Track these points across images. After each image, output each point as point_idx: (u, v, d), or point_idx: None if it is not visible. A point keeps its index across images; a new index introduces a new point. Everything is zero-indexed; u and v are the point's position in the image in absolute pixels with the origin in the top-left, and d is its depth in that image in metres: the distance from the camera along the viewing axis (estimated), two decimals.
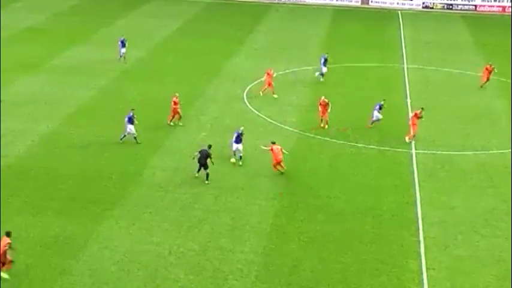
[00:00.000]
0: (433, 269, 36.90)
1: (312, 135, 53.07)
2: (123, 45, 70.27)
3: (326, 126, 54.47)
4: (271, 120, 56.32)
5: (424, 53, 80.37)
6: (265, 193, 44.37)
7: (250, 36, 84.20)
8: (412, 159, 50.01)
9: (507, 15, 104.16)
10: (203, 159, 44.81)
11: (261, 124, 55.92)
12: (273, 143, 46.61)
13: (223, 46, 76.51)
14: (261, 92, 61.09)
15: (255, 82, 65.42)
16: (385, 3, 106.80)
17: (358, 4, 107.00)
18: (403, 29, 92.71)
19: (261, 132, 53.82)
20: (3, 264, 33.59)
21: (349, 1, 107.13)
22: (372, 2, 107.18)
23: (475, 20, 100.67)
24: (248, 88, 64.16)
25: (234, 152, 47.75)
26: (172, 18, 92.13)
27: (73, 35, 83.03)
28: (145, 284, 34.51)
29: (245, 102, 60.79)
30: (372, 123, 55.45)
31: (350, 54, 77.69)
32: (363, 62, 75.01)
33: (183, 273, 35.51)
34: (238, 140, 47.28)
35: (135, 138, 50.52)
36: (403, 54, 79.18)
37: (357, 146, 51.33)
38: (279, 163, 46.25)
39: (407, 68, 73.72)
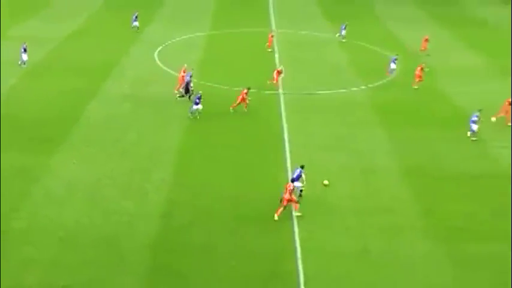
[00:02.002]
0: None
1: (210, 84, 51.82)
2: (25, 51, 54.95)
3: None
4: (176, 74, 54.65)
5: (286, 20, 79.48)
6: (177, 131, 43.33)
7: (159, 11, 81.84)
8: (280, 99, 49.64)
9: None
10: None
11: (169, 77, 54.32)
12: (292, 181, 33.70)
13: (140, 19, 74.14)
14: None
15: (164, 44, 64.21)
16: None
17: None
18: (271, 2, 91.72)
19: (169, 83, 52.39)
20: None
21: None
22: None
23: None
24: (158, 50, 62.57)
25: (194, 111, 44.90)
26: None
27: None
28: (87, 201, 33.29)
29: (156, 61, 59.06)
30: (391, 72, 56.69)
31: (235, 22, 76.45)
32: (243, 28, 73.94)
33: (115, 191, 34.47)
34: (198, 101, 44.72)
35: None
36: (271, 22, 78.29)
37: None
38: (284, 207, 32.60)
39: (277, 31, 72.69)
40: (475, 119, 43.69)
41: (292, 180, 33.74)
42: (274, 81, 52.18)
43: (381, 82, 55.45)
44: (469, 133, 44.11)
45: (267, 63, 59.50)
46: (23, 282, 26.66)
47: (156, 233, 30.82)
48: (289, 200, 32.51)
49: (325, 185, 34.79)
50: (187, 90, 48.43)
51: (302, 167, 34.36)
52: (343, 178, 37.44)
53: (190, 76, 49.24)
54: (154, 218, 32.04)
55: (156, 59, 59.65)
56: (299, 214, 32.89)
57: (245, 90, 46.46)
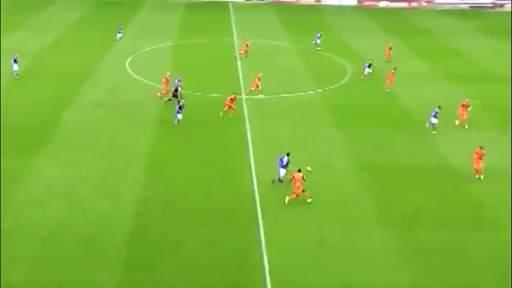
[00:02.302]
0: (260, 174, 36.96)
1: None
2: (15, 61, 54.47)
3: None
4: (147, 81, 54.59)
5: (248, 30, 79.53)
6: (149, 134, 43.21)
7: (131, 22, 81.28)
8: (243, 103, 49.71)
9: (299, 4, 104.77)
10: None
11: (140, 84, 54.16)
12: (299, 170, 34.33)
13: (113, 32, 73.53)
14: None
15: (135, 54, 63.88)
16: None
17: None
18: (233, 14, 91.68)
19: (140, 89, 52.32)
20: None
21: None
22: None
23: (280, 7, 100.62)
24: (129, 59, 62.24)
25: (178, 120, 44.17)
26: (73, 12, 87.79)
27: None
28: (66, 202, 33.16)
29: (128, 70, 58.79)
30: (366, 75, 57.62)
31: (200, 33, 76.19)
32: (207, 39, 73.82)
33: (92, 192, 34.34)
34: (180, 110, 44.03)
35: None
36: (233, 32, 78.26)
37: (211, 96, 50.45)
38: (297, 195, 33.99)
39: (237, 41, 72.79)
40: (434, 113, 45.32)
41: (283, 167, 35.59)
42: (254, 87, 52.01)
43: (335, 85, 55.88)
44: (427, 124, 45.57)
45: (231, 70, 59.62)
46: (9, 279, 26.49)
47: (131, 230, 30.79)
48: (298, 188, 33.61)
49: (309, 171, 35.13)
50: (175, 95, 48.51)
51: (288, 154, 36.01)
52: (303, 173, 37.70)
53: (179, 81, 49.44)
54: (129, 216, 31.98)
55: (128, 67, 59.31)
56: (310, 200, 34.05)
57: (232, 96, 46.45)
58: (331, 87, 55.29)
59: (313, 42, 71.43)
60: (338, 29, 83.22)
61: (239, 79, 56.27)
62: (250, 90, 51.78)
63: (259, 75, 52.77)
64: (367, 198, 35.23)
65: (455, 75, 61.22)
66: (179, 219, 32.07)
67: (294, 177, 33.95)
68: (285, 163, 35.90)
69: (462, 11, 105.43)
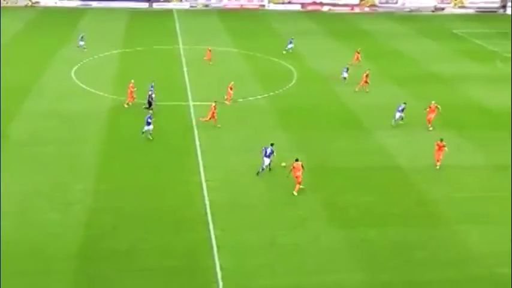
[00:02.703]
0: (211, 180, 36.91)
1: (124, 99, 51.31)
2: None
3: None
4: (93, 90, 53.96)
5: (192, 36, 79.42)
6: (95, 143, 42.76)
7: (75, 30, 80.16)
8: (190, 109, 49.60)
9: (244, 9, 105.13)
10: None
11: (86, 93, 53.49)
12: (296, 160, 36.39)
13: (57, 41, 72.44)
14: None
15: (81, 63, 63.10)
16: (164, 5, 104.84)
17: (147, 6, 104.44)
18: (178, 21, 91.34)
19: (86, 98, 51.73)
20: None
21: (138, 4, 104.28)
22: (155, 5, 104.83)
23: (224, 13, 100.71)
24: (75, 68, 61.38)
25: (145, 131, 43.10)
26: (14, 21, 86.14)
27: None
28: (17, 215, 32.64)
29: (73, 79, 57.97)
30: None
31: (146, 41, 75.71)
32: (153, 46, 73.40)
33: (41, 204, 33.84)
34: (150, 121, 42.91)
35: None
36: (179, 39, 77.99)
37: (158, 104, 50.12)
38: (299, 183, 36.05)
39: (182, 48, 72.57)
40: (401, 108, 47.48)
41: (267, 156, 37.63)
42: (228, 97, 51.61)
43: (283, 89, 56.19)
44: (393, 121, 47.58)
45: (178, 77, 59.37)
46: None
47: (81, 241, 30.41)
48: (299, 176, 35.63)
49: (283, 166, 36.51)
50: (150, 102, 48.45)
51: (272, 144, 38.19)
52: (252, 177, 37.90)
53: (152, 87, 49.31)
54: (79, 227, 31.57)
55: (73, 76, 58.49)
56: (302, 187, 36.02)
57: (213, 105, 46.14)
58: (279, 91, 55.61)
59: (286, 48, 71.52)
60: (283, 33, 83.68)
61: (186, 86, 56.10)
62: (227, 99, 51.36)
63: (231, 84, 52.28)
64: (315, 199, 35.56)
65: (398, 76, 62.34)
66: (129, 227, 31.81)
67: (293, 166, 35.71)
68: (268, 153, 37.80)
69: (403, 15, 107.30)
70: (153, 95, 49.04)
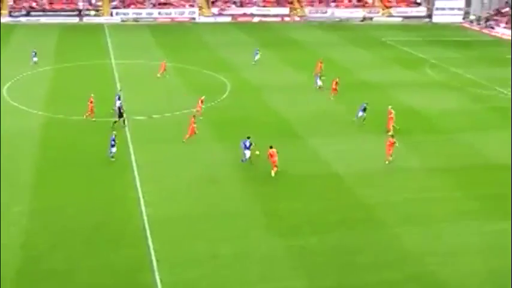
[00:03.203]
0: (148, 194, 36.27)
1: (61, 116, 50.17)
2: None
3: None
4: (26, 108, 52.66)
5: (124, 51, 78.60)
6: (29, 162, 41.64)
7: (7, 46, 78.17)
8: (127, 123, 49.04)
9: (175, 23, 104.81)
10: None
11: (18, 111, 52.11)
12: (271, 147, 40.02)
13: None
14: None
15: (13, 80, 61.50)
16: (94, 19, 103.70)
17: (77, 21, 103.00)
18: (109, 36, 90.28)
19: (19, 116, 50.41)
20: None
21: (68, 19, 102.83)
22: (85, 19, 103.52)
23: (155, 27, 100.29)
24: (7, 86, 59.75)
25: (113, 154, 41.75)
26: None
27: None
28: None
29: (5, 97, 56.35)
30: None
31: (78, 56, 74.49)
32: (85, 61, 72.25)
33: None
34: (114, 143, 41.57)
35: None
36: (111, 54, 76.99)
37: (92, 120, 49.27)
38: (274, 163, 39.66)
39: (115, 62, 71.74)
40: (363, 107, 50.08)
41: (248, 148, 40.86)
42: (198, 109, 51.13)
43: (216, 101, 56.06)
44: (355, 118, 50.13)
45: (111, 92, 58.35)
46: None
47: (19, 264, 29.42)
48: (276, 161, 39.37)
49: (257, 155, 39.39)
50: (120, 114, 47.76)
51: (248, 137, 41.04)
52: (190, 190, 37.67)
53: (119, 98, 49.19)
54: (15, 249, 30.55)
55: (4, 94, 56.89)
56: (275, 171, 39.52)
57: (193, 119, 45.91)
58: (213, 103, 55.44)
59: (255, 60, 72.27)
60: (215, 46, 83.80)
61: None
62: (198, 112, 50.85)
63: (202, 98, 51.97)
64: (255, 209, 35.52)
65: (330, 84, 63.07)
66: (68, 246, 31.03)
67: (270, 153, 39.46)
68: (248, 146, 40.92)
69: (333, 25, 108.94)
70: (122, 105, 48.69)
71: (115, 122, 47.74)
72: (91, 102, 49.73)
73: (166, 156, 42.58)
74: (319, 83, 61.02)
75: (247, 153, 41.14)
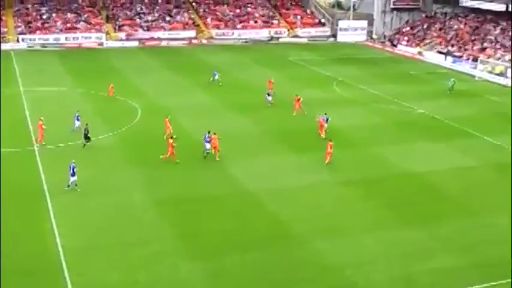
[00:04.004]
0: (63, 225, 35.23)
1: None
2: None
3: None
4: None
5: (32, 78, 76.47)
6: None
7: None
8: (35, 153, 47.56)
9: (82, 48, 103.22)
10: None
11: None
12: (214, 133, 46.69)
13: None
14: None
15: None
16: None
17: None
18: (16, 63, 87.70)
19: None
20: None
21: None
22: None
23: (63, 52, 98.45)
24: None
25: (71, 183, 40.30)
26: None
27: None
28: None
29: None
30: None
31: None
32: None
33: None
34: (73, 172, 40.18)
35: None
36: (18, 81, 74.58)
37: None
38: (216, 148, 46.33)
39: (23, 90, 69.58)
40: (325, 118, 53.16)
41: (208, 142, 46.45)
42: (168, 131, 51.09)
43: (127, 127, 55.23)
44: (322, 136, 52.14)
45: (19, 120, 56.65)
46: None
47: None
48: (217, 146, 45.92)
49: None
50: (87, 136, 48.74)
51: (209, 132, 46.81)
52: (104, 217, 36.89)
53: (78, 119, 51.66)
54: None
55: None
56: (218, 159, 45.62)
57: (171, 141, 45.76)
58: (124, 128, 54.63)
59: (211, 79, 74.00)
60: (124, 70, 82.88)
61: (29, 129, 53.60)
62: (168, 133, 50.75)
63: (167, 118, 52.41)
64: (171, 233, 35.09)
65: (239, 104, 63.47)
66: None
67: (211, 138, 45.94)
68: (208, 139, 46.32)
69: (240, 46, 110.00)
70: (86, 126, 49.23)
71: (84, 144, 48.66)
72: (40, 125, 49.12)
73: (79, 185, 41.33)
74: (268, 98, 63.00)
75: (207, 146, 46.23)
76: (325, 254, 33.05)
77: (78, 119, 51.44)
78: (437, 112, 63.13)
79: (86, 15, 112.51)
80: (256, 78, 78.20)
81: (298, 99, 60.83)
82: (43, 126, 49.35)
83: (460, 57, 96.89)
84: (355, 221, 37.14)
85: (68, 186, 40.44)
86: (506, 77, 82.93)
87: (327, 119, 52.98)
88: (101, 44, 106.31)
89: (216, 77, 74.86)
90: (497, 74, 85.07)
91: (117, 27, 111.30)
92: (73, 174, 40.34)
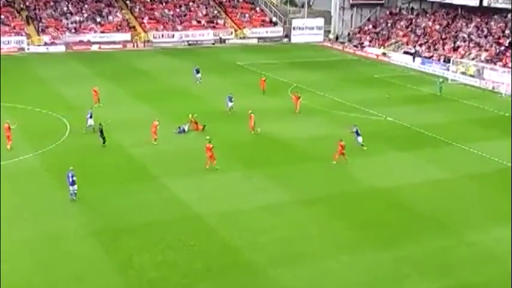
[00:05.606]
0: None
1: None
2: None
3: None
4: None
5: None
6: None
7: None
8: None
9: (2, 54, 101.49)
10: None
11: None
12: (209, 142, 48.52)
13: None
14: None
15: None
16: None
17: None
18: None
19: None
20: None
21: None
22: None
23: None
24: None
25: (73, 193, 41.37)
26: None
27: None
28: None
29: None
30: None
31: None
32: None
33: None
34: (71, 182, 41.49)
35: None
36: None
37: None
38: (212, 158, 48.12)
39: None
40: (354, 130, 54.43)
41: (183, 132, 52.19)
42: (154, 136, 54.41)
43: (55, 144, 54.22)
44: (357, 143, 54.00)
45: None
46: None
47: None
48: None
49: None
50: (103, 136, 53.47)
51: (100, 124, 51.75)
52: (33, 251, 35.98)
53: (91, 116, 57.04)
54: None
55: None
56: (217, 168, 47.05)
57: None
58: (50, 146, 53.63)
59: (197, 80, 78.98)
60: (50, 80, 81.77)
61: None
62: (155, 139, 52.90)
63: (155, 123, 54.23)
64: (108, 266, 34.45)
65: (184, 115, 63.06)
66: None
67: (207, 146, 47.76)
68: (182, 129, 54.92)
69: (182, 49, 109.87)
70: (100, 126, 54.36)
71: (104, 143, 53.42)
72: (7, 129, 52.27)
73: (4, 211, 40.23)
74: (230, 104, 64.81)
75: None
76: (285, 283, 32.86)
77: (91, 116, 57.33)
78: (406, 119, 63.97)
79: (2, 17, 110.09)
80: (202, 86, 78.07)
81: (298, 97, 65.12)
82: (9, 132, 52.08)
83: (430, 57, 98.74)
84: (318, 244, 37.06)
85: (71, 195, 41.76)
86: (482, 79, 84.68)
87: (357, 131, 54.51)
88: (22, 49, 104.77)
89: (198, 75, 79.29)
90: (471, 76, 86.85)
91: (40, 30, 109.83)
92: (72, 183, 40.82)
